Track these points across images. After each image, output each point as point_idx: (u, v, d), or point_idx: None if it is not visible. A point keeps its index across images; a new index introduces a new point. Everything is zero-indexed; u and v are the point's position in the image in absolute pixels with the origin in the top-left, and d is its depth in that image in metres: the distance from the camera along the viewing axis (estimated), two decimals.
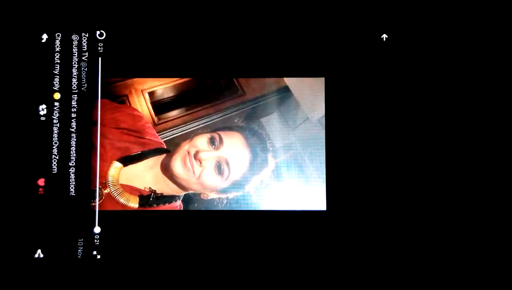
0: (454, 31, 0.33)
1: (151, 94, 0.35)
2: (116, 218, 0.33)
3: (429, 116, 0.33)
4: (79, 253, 0.32)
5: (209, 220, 0.33)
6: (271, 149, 0.34)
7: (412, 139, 0.33)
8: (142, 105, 0.35)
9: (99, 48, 0.34)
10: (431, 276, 0.32)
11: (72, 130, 0.33)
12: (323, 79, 0.34)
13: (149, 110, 0.35)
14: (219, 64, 0.34)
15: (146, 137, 0.34)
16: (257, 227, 0.33)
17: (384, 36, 0.33)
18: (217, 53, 0.34)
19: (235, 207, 0.33)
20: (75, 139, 0.33)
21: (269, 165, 0.34)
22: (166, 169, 0.34)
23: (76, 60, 0.33)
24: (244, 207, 0.33)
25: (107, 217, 0.33)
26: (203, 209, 0.33)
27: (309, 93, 0.34)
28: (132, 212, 0.33)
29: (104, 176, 0.33)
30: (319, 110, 0.34)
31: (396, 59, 0.33)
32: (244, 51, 0.34)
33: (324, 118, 0.33)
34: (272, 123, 0.34)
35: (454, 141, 0.33)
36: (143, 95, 0.35)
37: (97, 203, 0.33)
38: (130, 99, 0.34)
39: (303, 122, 0.34)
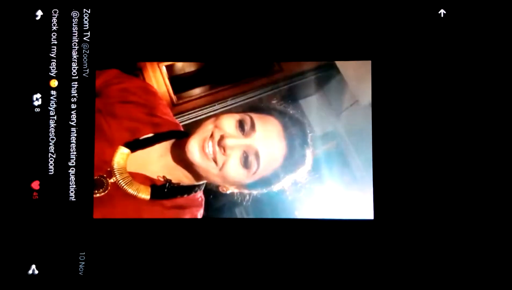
0: None
1: (169, 68, 0.31)
2: (122, 226, 0.30)
3: (497, 105, 0.29)
4: (81, 269, 0.30)
5: (231, 229, 0.29)
6: (311, 143, 0.29)
7: (475, 134, 0.29)
8: (158, 81, 0.31)
9: (102, 26, 0.30)
10: None
11: (72, 123, 0.30)
12: (369, 62, 0.30)
13: (166, 87, 0.31)
14: (259, 46, 0.30)
15: (159, 115, 0.31)
16: (290, 237, 0.29)
17: (442, 11, 0.30)
18: (257, 35, 0.30)
19: (260, 206, 0.30)
20: (75, 134, 0.30)
21: (306, 163, 0.29)
22: (179, 154, 0.31)
23: (76, 41, 0.30)
24: (271, 207, 0.30)
25: (110, 225, 0.30)
26: (219, 204, 0.30)
27: (359, 71, 0.30)
28: (142, 220, 0.30)
29: (109, 162, 0.30)
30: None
31: (456, 39, 0.29)
32: (283, 33, 0.30)
33: None
34: (312, 106, 0.30)
35: None
36: (160, 69, 0.31)
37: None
38: (144, 74, 0.31)
39: (351, 105, 0.29)
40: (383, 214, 0.29)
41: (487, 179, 0.29)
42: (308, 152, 0.29)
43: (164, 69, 0.31)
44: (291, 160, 0.30)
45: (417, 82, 0.30)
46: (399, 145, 0.29)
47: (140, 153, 0.31)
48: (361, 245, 0.29)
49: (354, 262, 0.29)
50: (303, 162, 0.29)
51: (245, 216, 0.30)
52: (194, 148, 0.30)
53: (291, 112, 0.30)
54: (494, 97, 0.29)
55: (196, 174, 0.30)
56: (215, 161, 0.29)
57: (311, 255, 0.29)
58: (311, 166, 0.30)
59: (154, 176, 0.30)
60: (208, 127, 0.30)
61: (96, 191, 0.30)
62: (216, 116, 0.30)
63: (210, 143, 0.29)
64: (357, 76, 0.30)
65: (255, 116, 0.30)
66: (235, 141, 0.29)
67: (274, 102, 0.30)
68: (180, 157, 0.30)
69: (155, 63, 0.31)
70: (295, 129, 0.30)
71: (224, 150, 0.29)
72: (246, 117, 0.30)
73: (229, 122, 0.30)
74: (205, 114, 0.31)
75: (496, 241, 0.29)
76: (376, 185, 0.29)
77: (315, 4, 0.30)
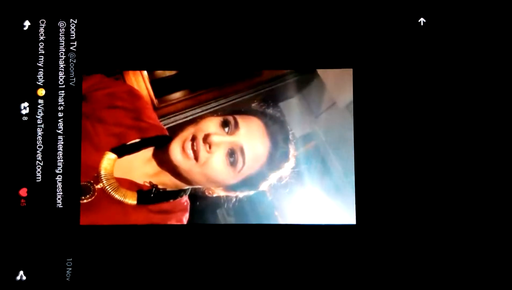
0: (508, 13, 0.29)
1: (151, 72, 0.31)
2: (109, 233, 0.30)
3: (478, 111, 0.29)
4: (68, 275, 0.29)
5: (215, 235, 0.29)
6: (293, 141, 0.30)
7: (457, 140, 0.29)
8: (140, 84, 0.31)
9: (88, 36, 0.30)
10: None
11: (59, 131, 0.30)
12: (351, 70, 0.30)
13: (148, 91, 0.31)
14: (238, 56, 0.30)
15: (146, 120, 0.30)
16: (273, 243, 0.29)
17: (422, 20, 0.30)
18: (236, 44, 0.30)
19: (246, 208, 0.30)
20: (62, 142, 0.30)
21: (290, 159, 0.30)
22: (163, 159, 0.30)
23: (63, 50, 0.30)
24: (257, 209, 0.30)
25: (96, 232, 0.29)
26: (205, 208, 0.30)
27: (337, 74, 0.30)
28: (128, 227, 0.30)
29: (96, 168, 0.30)
30: (349, 94, 0.30)
31: (436, 47, 0.29)
32: (264, 41, 0.30)
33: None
34: (292, 108, 0.30)
35: (508, 141, 0.29)
36: (141, 73, 0.31)
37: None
38: (125, 78, 0.31)
39: (328, 108, 0.30)
40: (365, 218, 0.29)
41: (468, 185, 0.29)
42: (291, 149, 0.30)
43: (145, 73, 0.31)
44: (275, 157, 0.30)
45: (398, 90, 0.29)
46: (381, 151, 0.29)
47: (126, 158, 0.30)
48: (344, 250, 0.29)
49: (337, 267, 0.29)
50: (286, 159, 0.30)
51: (229, 219, 0.30)
52: (176, 149, 0.30)
53: (271, 112, 0.30)
54: (475, 103, 0.29)
55: (181, 178, 0.30)
56: (196, 158, 0.29)
57: (295, 260, 0.29)
58: (294, 163, 0.30)
59: (141, 182, 0.30)
60: (189, 130, 0.30)
61: (82, 197, 0.30)
62: (196, 121, 0.30)
63: (192, 143, 0.29)
64: (335, 79, 0.30)
65: (238, 116, 0.30)
66: (221, 138, 0.29)
67: (254, 104, 0.30)
68: (164, 161, 0.30)
69: None
70: (276, 127, 0.30)
71: (210, 147, 0.29)
72: (229, 117, 0.30)
73: (211, 123, 0.30)
74: (187, 117, 0.31)
75: (477, 243, 0.29)
76: (359, 190, 0.29)
77: (297, 12, 0.30)
